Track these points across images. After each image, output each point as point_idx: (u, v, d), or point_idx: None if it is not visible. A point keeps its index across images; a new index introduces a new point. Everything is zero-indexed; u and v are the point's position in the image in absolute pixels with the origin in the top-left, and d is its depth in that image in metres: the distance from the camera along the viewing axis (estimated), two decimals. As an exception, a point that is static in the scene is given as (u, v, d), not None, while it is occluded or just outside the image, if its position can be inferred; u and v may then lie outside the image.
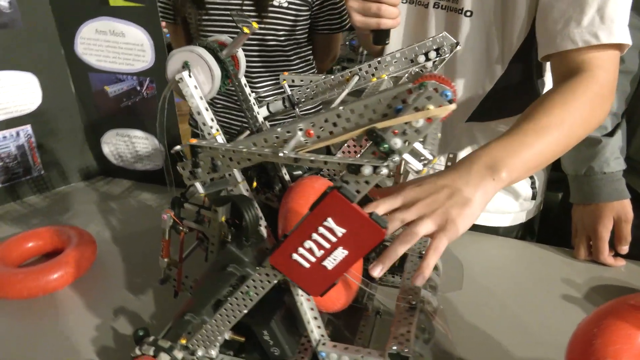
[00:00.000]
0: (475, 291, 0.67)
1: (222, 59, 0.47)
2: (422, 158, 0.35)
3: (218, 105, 1.04)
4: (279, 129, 0.39)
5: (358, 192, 0.37)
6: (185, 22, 0.97)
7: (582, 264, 0.73)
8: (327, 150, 0.79)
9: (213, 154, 0.41)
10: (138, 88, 0.92)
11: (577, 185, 0.74)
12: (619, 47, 0.59)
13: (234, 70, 0.49)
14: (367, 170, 0.35)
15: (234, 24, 0.93)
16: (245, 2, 0.89)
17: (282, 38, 0.95)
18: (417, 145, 0.35)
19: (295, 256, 0.41)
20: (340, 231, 0.38)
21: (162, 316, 0.64)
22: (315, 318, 0.48)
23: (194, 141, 0.41)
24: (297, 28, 0.96)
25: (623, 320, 0.33)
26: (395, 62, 0.52)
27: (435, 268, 0.61)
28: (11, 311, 0.66)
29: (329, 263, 0.40)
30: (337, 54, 1.12)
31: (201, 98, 0.45)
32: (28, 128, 0.95)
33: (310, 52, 1.05)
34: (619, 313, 0.34)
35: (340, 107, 0.36)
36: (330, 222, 0.38)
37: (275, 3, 0.89)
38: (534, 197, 0.82)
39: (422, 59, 0.51)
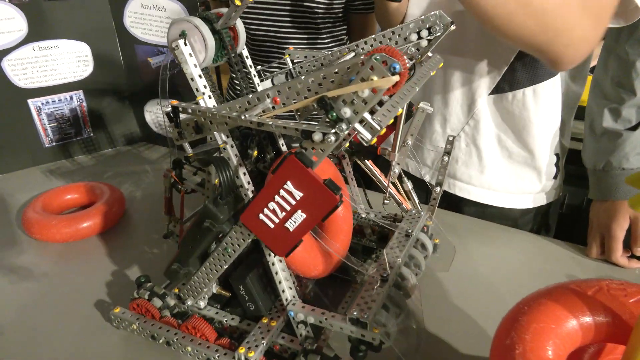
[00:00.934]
0: (468, 277, 0.67)
1: (217, 29, 0.50)
2: (372, 129, 0.36)
3: None
4: (250, 95, 0.42)
5: (317, 158, 0.39)
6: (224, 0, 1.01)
7: (593, 262, 0.70)
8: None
9: (194, 116, 0.45)
10: (176, 61, 0.98)
11: (595, 180, 0.71)
12: None
13: (231, 41, 0.52)
14: (317, 136, 0.37)
15: (273, 5, 0.97)
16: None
17: (315, 15, 0.97)
18: (367, 116, 0.36)
19: (261, 216, 0.44)
20: (298, 194, 0.41)
21: (169, 269, 0.70)
22: (287, 279, 0.50)
23: (175, 102, 0.45)
24: (332, 6, 0.97)
25: (556, 302, 0.33)
26: (390, 39, 0.53)
27: (424, 248, 0.62)
28: (46, 251, 0.75)
29: (290, 225, 0.43)
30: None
31: (195, 65, 0.49)
32: (80, 93, 1.04)
33: (345, 31, 1.06)
34: (554, 295, 0.33)
35: (302, 77, 0.38)
36: (289, 185, 0.40)
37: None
38: (555, 177, 0.79)
39: (414, 37, 0.51)
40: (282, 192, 0.41)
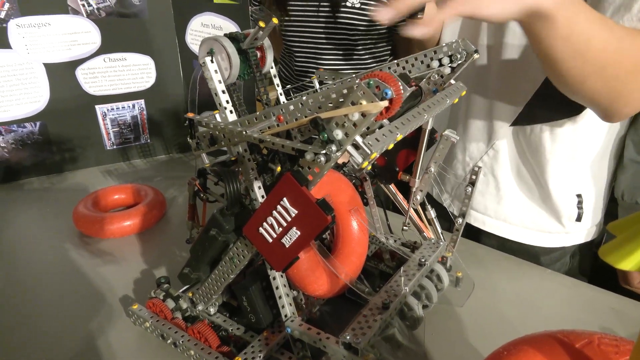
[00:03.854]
0: (489, 316, 0.63)
1: (243, 48, 0.52)
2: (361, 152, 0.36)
3: None
4: (258, 113, 0.44)
5: (312, 177, 0.40)
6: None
7: (635, 315, 0.64)
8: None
9: (210, 129, 0.47)
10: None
11: (621, 209, 0.67)
12: None
13: (257, 60, 0.54)
14: (308, 155, 0.37)
15: (313, 25, 1.00)
16: (322, 3, 0.94)
17: (355, 37, 0.98)
18: (358, 139, 0.36)
19: (261, 230, 0.45)
20: (293, 211, 0.41)
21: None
22: (287, 295, 0.51)
23: (191, 115, 0.47)
24: (372, 28, 0.97)
25: (537, 351, 0.30)
26: (413, 65, 0.53)
27: (440, 280, 0.60)
28: (89, 245, 0.81)
29: (286, 241, 0.43)
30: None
31: (220, 82, 0.52)
32: (142, 102, 1.13)
33: (388, 52, 1.06)
34: (537, 342, 0.31)
35: (304, 97, 0.39)
36: (285, 202, 0.41)
37: (348, 4, 0.93)
38: (579, 219, 0.74)
39: (435, 64, 0.51)
40: (279, 207, 0.42)
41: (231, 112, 0.52)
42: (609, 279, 0.80)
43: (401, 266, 0.67)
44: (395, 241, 0.66)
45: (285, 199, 0.41)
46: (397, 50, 1.07)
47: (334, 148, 0.36)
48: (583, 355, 0.29)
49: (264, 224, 0.44)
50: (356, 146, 0.37)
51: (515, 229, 0.78)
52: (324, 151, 0.36)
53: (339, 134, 0.36)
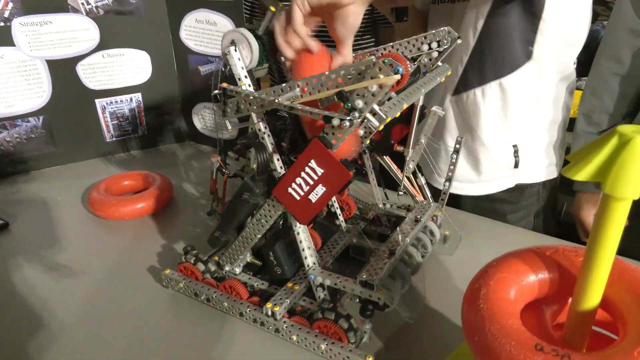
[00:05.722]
0: (472, 266, 0.73)
1: (259, 35, 0.61)
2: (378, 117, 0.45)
3: None
4: (284, 85, 0.52)
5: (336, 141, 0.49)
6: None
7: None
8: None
9: (237, 98, 0.55)
10: (222, 69, 1.11)
11: None
12: None
13: (270, 45, 0.63)
14: (335, 121, 0.46)
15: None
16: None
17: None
18: (376, 107, 0.45)
19: (290, 190, 0.53)
20: (320, 171, 0.50)
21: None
22: (309, 247, 0.60)
23: (225, 85, 0.55)
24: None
25: (519, 259, 0.40)
26: (405, 48, 0.62)
27: (432, 235, 0.70)
28: (106, 227, 0.87)
29: (313, 197, 0.52)
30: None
31: (242, 68, 0.60)
32: (139, 95, 1.18)
33: (372, 43, 1.15)
34: (519, 254, 0.41)
35: (327, 72, 0.48)
36: (313, 163, 0.50)
37: None
38: (516, 166, 0.88)
39: (425, 47, 0.60)
40: (307, 169, 0.50)
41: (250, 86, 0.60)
42: (571, 235, 0.93)
43: (397, 227, 0.77)
44: (391, 206, 0.76)
45: (313, 160, 0.50)
46: (380, 42, 1.17)
47: (356, 114, 0.45)
48: (552, 259, 0.40)
49: (293, 184, 0.53)
50: (373, 113, 0.46)
51: (465, 185, 0.93)
52: (348, 117, 0.45)
53: (359, 103, 0.45)
